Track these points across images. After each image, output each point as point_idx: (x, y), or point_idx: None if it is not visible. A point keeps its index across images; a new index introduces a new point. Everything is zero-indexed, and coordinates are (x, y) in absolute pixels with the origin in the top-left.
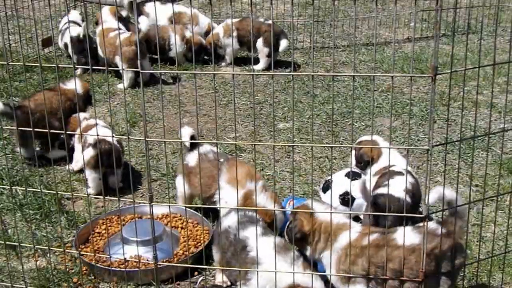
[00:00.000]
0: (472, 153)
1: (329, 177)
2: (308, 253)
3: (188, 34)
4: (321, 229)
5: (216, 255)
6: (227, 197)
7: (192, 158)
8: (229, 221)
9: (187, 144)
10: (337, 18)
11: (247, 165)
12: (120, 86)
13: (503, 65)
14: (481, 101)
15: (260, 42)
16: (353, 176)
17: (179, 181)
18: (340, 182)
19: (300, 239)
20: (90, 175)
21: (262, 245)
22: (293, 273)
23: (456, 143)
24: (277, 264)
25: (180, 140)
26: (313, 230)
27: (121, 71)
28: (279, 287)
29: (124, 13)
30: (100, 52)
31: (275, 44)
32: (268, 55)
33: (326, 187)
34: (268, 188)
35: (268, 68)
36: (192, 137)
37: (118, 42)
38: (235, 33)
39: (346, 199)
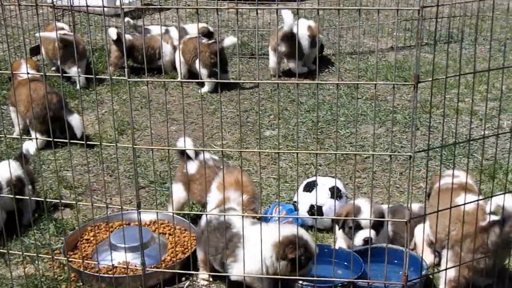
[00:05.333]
0: (453, 159)
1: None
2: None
3: (176, 42)
4: None
5: (199, 253)
6: (211, 200)
7: (192, 167)
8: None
9: (190, 154)
10: (322, 27)
11: (245, 176)
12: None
13: (483, 73)
14: (463, 108)
15: (198, 64)
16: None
17: (178, 188)
18: (302, 199)
19: None
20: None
21: (241, 223)
22: (279, 279)
23: (438, 149)
24: (258, 231)
25: (168, 147)
26: None
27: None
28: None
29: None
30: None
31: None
32: (210, 76)
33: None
34: (253, 205)
35: (214, 90)
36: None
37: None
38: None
39: (313, 211)
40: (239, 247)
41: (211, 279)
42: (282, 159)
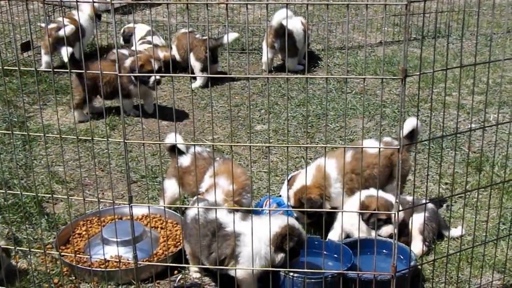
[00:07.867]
0: (441, 152)
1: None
2: None
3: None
4: None
5: (187, 248)
6: (204, 188)
7: (185, 160)
8: (195, 209)
9: (182, 148)
10: (312, 22)
11: (240, 169)
12: None
13: (470, 67)
14: (450, 102)
15: (191, 58)
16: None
17: (171, 183)
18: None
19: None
20: None
21: (231, 219)
22: (271, 270)
23: (425, 142)
24: (254, 226)
25: (159, 142)
26: None
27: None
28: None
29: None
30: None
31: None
32: (203, 70)
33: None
34: (239, 197)
35: (206, 85)
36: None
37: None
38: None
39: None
40: (239, 246)
41: (203, 272)
42: (273, 153)
